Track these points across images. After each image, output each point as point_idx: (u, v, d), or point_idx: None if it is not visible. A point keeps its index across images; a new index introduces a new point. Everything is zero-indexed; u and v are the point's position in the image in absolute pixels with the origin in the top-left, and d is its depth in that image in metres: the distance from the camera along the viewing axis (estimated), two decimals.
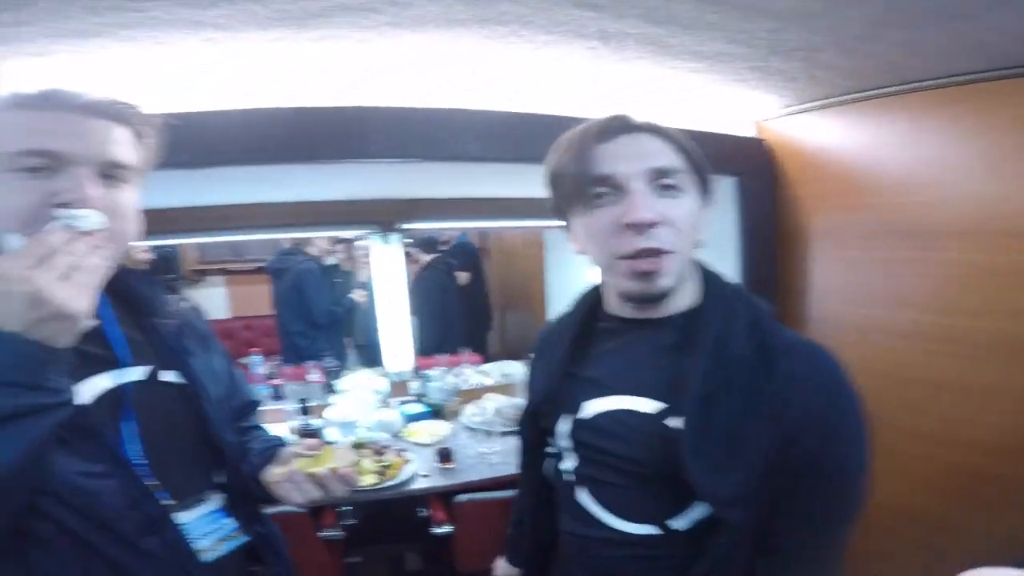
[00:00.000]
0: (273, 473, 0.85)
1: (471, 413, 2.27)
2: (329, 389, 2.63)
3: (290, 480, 0.82)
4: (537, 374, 0.94)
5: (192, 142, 1.27)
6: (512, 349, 3.64)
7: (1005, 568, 0.39)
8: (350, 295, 3.21)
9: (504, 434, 2.02)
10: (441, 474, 1.84)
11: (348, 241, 3.23)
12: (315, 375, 2.71)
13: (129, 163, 0.71)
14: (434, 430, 2.17)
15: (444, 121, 1.50)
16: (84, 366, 0.69)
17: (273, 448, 0.91)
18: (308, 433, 1.97)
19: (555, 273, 3.41)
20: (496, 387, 2.55)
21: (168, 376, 0.80)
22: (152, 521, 0.71)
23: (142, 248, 3.37)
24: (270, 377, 2.68)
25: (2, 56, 1.07)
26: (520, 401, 2.24)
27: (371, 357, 2.99)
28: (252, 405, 1.02)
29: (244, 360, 2.81)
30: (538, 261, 3.56)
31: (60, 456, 0.64)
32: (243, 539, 0.83)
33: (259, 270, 3.84)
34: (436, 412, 2.34)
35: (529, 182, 0.93)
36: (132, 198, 0.73)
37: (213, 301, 4.11)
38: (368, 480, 1.69)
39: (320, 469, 0.81)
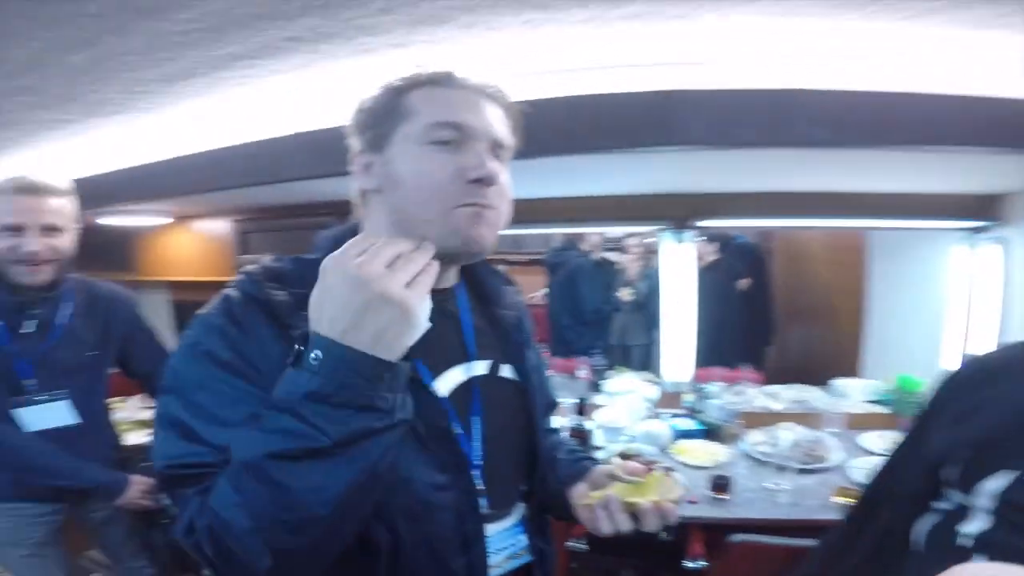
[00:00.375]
0: (585, 495, 0.77)
1: (757, 441, 1.99)
2: (595, 388, 2.63)
3: (604, 507, 0.73)
4: (980, 412, 0.71)
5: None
6: (793, 369, 3.10)
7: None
8: (618, 294, 3.18)
9: (801, 471, 1.71)
10: (711, 504, 1.64)
11: (622, 238, 3.19)
12: (583, 371, 2.74)
13: (509, 144, 0.72)
14: (710, 452, 1.95)
15: (778, 103, 1.29)
16: (443, 358, 0.70)
17: (585, 464, 0.85)
18: (626, 455, 1.87)
19: (887, 287, 2.75)
20: (789, 415, 2.18)
21: (505, 371, 0.78)
22: (468, 539, 0.68)
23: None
24: None
25: (373, 48, 1.23)
26: (885, 440, 1.90)
27: (625, 359, 2.91)
28: (553, 406, 0.99)
29: None
30: (854, 270, 2.90)
31: (417, 463, 0.64)
32: (527, 558, 0.77)
33: (534, 262, 4.13)
34: (710, 432, 2.11)
35: (880, 172, 0.68)
36: (510, 182, 0.74)
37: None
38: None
39: (642, 500, 0.71)
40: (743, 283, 3.24)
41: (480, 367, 0.74)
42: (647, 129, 1.33)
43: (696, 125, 1.31)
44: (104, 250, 2.80)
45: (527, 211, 2.32)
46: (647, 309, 3.06)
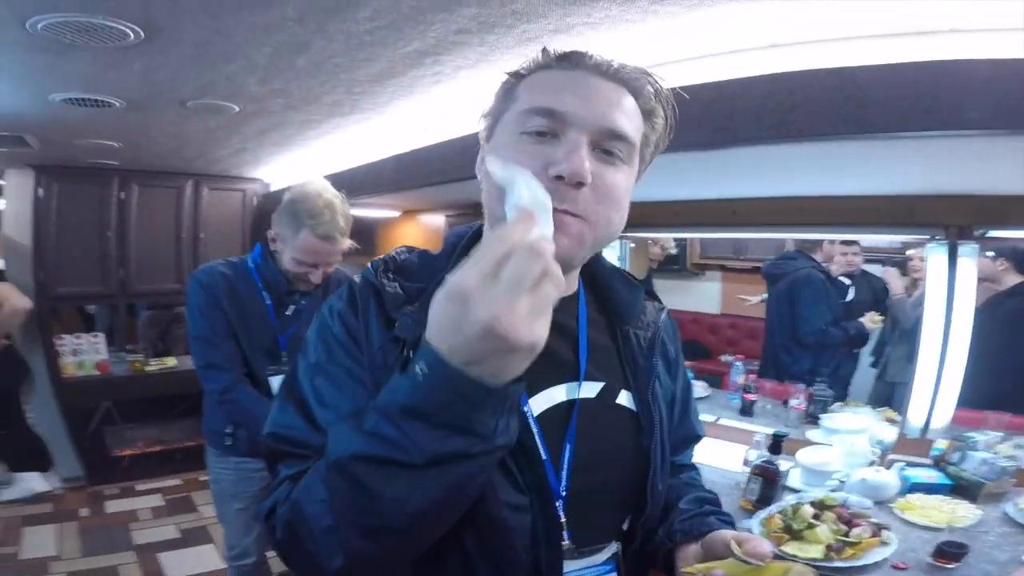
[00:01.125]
0: (691, 559, 0.65)
1: None
2: (811, 421, 2.19)
3: None
4: None
5: (700, 119, 1.14)
6: None
7: None
8: (861, 319, 2.58)
9: None
10: (929, 574, 1.24)
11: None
12: (797, 400, 2.30)
13: (630, 137, 0.60)
14: (947, 511, 1.48)
15: None
16: (545, 375, 0.62)
17: (708, 523, 0.70)
18: (825, 504, 1.45)
19: None
20: None
21: (623, 398, 0.69)
22: (541, 571, 0.61)
23: (667, 242, 3.77)
24: (745, 390, 2.43)
25: (534, 35, 1.19)
26: None
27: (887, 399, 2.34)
28: (694, 440, 0.87)
29: (725, 358, 2.71)
30: None
31: (493, 478, 0.57)
32: None
33: (755, 270, 3.66)
34: (960, 488, 1.60)
35: None
36: (626, 182, 0.62)
37: (707, 295, 4.19)
38: (810, 552, 1.26)
39: None
40: None
41: (588, 389, 0.66)
42: (909, 112, 1.01)
43: (977, 106, 0.96)
44: (356, 236, 3.38)
45: (747, 212, 2.05)
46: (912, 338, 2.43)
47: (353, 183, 2.59)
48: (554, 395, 0.64)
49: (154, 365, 3.55)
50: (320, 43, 1.27)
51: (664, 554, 0.70)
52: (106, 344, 3.46)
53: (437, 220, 3.12)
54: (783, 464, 1.61)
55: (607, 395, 0.67)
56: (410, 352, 0.52)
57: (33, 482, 3.17)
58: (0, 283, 2.94)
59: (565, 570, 0.63)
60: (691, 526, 0.69)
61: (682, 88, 0.70)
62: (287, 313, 1.68)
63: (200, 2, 1.03)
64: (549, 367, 0.61)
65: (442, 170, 2.04)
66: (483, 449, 0.48)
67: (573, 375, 0.66)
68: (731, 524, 0.71)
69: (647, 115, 0.63)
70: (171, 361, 3.61)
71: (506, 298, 0.42)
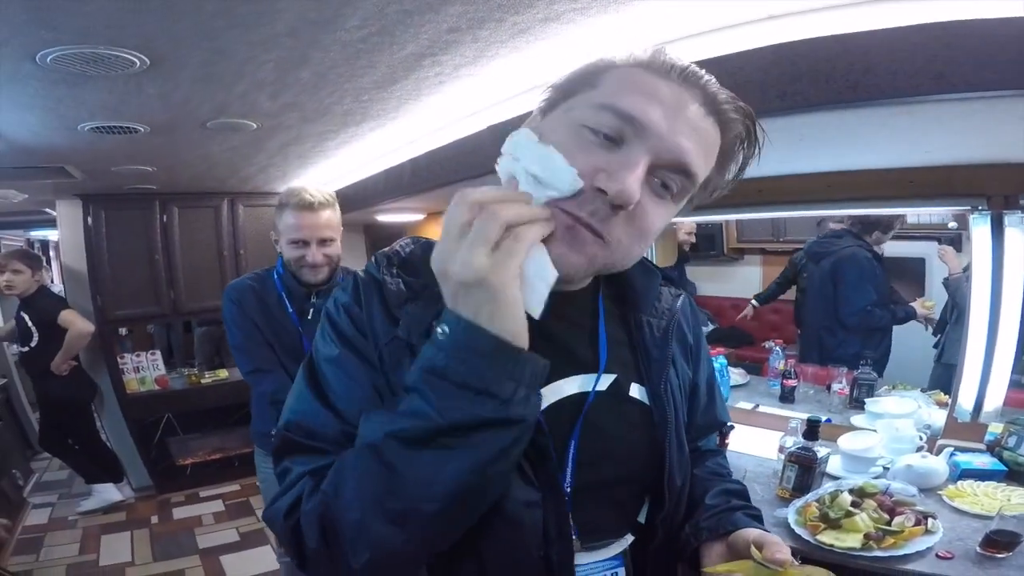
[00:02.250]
0: (714, 563, 0.63)
1: None
2: (856, 406, 2.08)
3: None
4: None
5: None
6: None
7: None
8: (913, 303, 2.45)
9: None
10: (978, 563, 1.16)
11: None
12: (840, 384, 2.20)
13: (696, 176, 0.55)
14: (999, 498, 1.39)
15: None
16: (555, 366, 0.59)
17: (735, 519, 0.67)
18: (866, 492, 1.37)
19: None
20: None
21: (635, 391, 0.67)
22: (553, 567, 0.60)
23: (687, 228, 3.67)
24: (785, 375, 2.33)
25: (526, 26, 1.17)
26: None
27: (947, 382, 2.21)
28: (718, 426, 0.84)
29: (765, 344, 2.62)
30: None
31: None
32: None
33: (796, 252, 3.51)
34: (1016, 474, 1.51)
35: None
36: (664, 221, 0.58)
37: (747, 280, 4.08)
38: (847, 541, 1.20)
39: None
40: None
41: (603, 381, 0.64)
42: (918, 76, 0.94)
43: (992, 67, 0.88)
44: (385, 242, 3.42)
45: (773, 190, 1.96)
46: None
47: (376, 190, 2.66)
48: (563, 388, 0.62)
49: (208, 378, 3.74)
50: (318, 55, 1.29)
51: (689, 553, 0.68)
52: (163, 360, 3.68)
53: None
54: (821, 450, 1.53)
55: (618, 388, 0.65)
56: (434, 324, 0.51)
57: (108, 493, 3.37)
58: (65, 310, 3.15)
59: (578, 563, 0.62)
60: (717, 523, 0.67)
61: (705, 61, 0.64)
62: (308, 318, 1.75)
63: (194, 26, 1.07)
64: (559, 360, 0.59)
65: (457, 169, 2.05)
66: (501, 416, 0.47)
67: (585, 368, 0.64)
68: (758, 518, 0.69)
69: (723, 158, 0.59)
70: (224, 373, 3.79)
71: (463, 240, 0.47)
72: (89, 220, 3.30)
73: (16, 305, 3.24)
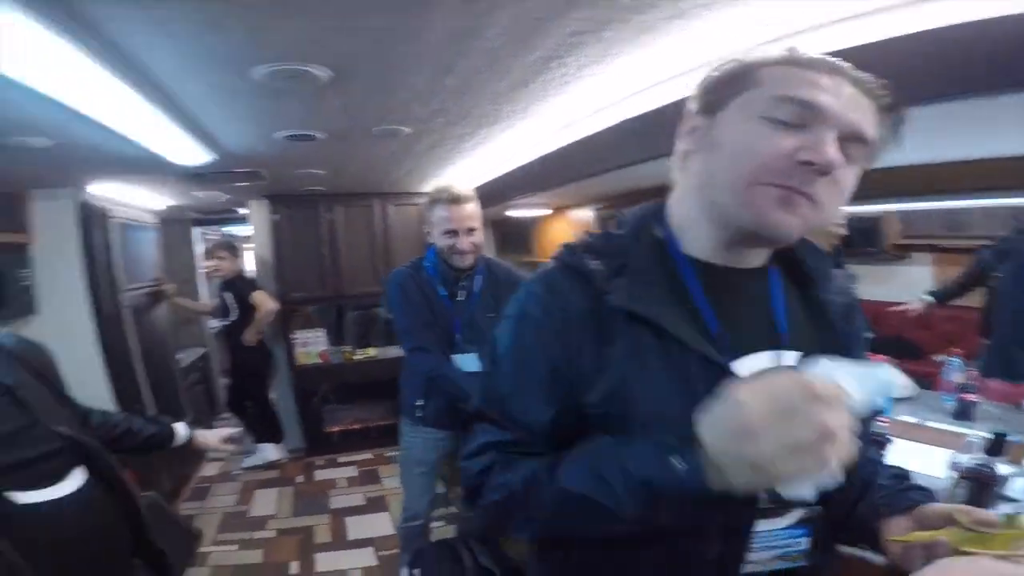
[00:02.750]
0: (905, 530, 0.67)
1: None
2: None
3: (926, 549, 0.61)
4: None
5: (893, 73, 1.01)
6: None
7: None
8: None
9: None
10: None
11: None
12: None
13: (869, 140, 0.63)
14: None
15: None
16: (749, 342, 0.68)
17: (912, 497, 0.71)
18: (978, 490, 1.35)
19: None
20: None
21: None
22: (730, 528, 0.67)
23: (838, 223, 3.29)
24: (963, 389, 2.05)
25: (651, 25, 1.19)
26: None
27: None
28: (876, 413, 0.86)
29: (937, 358, 2.30)
30: None
31: None
32: (801, 564, 0.69)
33: (983, 248, 2.97)
34: None
35: None
36: (852, 182, 0.65)
37: (913, 282, 3.48)
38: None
39: (985, 552, 0.57)
40: None
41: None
42: None
43: None
44: (513, 237, 3.62)
45: (947, 177, 1.72)
46: None
47: (507, 186, 2.80)
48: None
49: (359, 355, 4.22)
50: (463, 62, 1.43)
51: (862, 530, 0.72)
52: (326, 338, 4.23)
53: (586, 215, 3.19)
54: (1004, 468, 1.36)
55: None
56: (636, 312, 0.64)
57: (268, 452, 3.93)
58: (256, 291, 3.77)
59: (756, 528, 0.67)
60: (897, 501, 0.71)
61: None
62: (459, 299, 1.95)
63: (372, 42, 1.25)
64: (751, 334, 0.67)
65: (585, 164, 2.11)
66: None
67: (776, 343, 0.69)
68: (932, 497, 0.71)
69: (882, 123, 0.64)
70: (372, 352, 4.25)
71: (780, 448, 0.51)
72: (275, 216, 3.91)
73: (219, 286, 3.96)
